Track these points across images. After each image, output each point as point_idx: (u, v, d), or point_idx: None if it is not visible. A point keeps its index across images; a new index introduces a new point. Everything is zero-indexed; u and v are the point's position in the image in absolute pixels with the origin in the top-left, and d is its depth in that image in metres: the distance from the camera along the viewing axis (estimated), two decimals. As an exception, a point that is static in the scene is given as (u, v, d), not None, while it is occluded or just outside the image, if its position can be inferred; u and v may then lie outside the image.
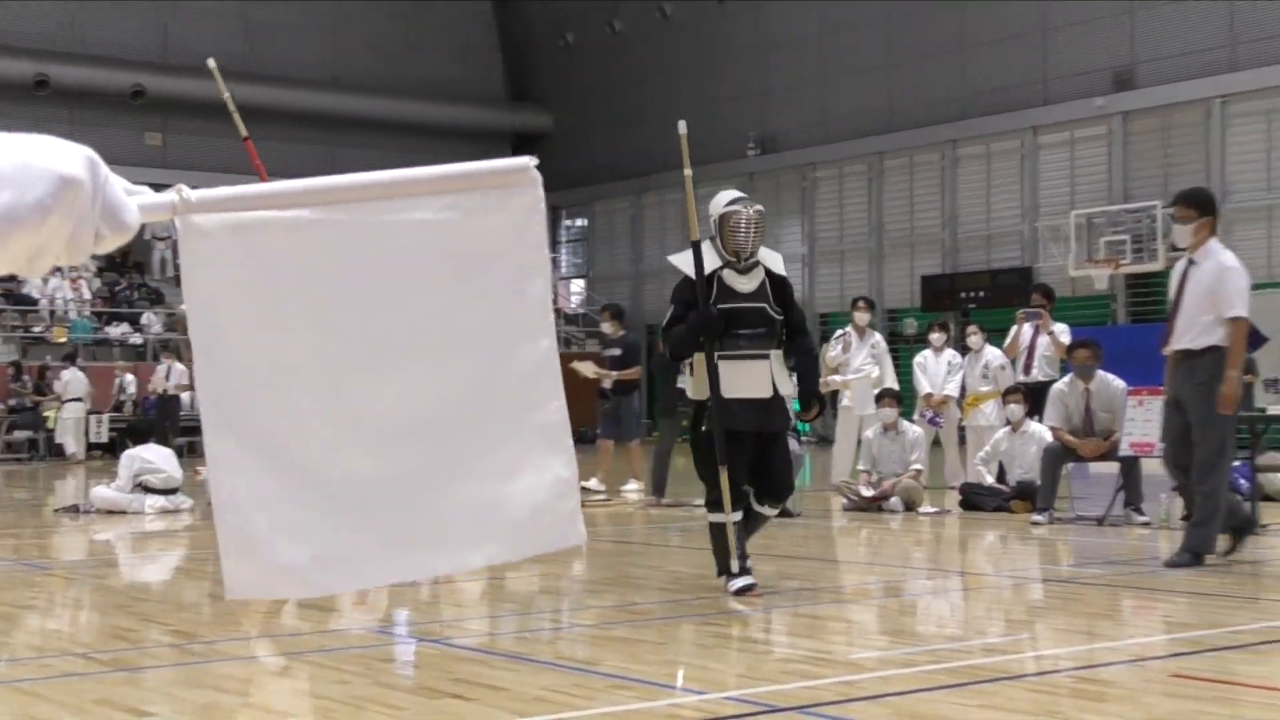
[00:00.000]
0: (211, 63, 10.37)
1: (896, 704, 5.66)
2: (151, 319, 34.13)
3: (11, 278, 29.70)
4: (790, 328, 8.97)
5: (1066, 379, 14.12)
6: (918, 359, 18.03)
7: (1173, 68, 29.52)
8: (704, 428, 8.77)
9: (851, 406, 17.27)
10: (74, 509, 15.54)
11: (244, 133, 10.26)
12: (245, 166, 10.46)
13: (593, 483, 16.59)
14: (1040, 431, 14.43)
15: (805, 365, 9.28)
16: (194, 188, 2.70)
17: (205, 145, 37.72)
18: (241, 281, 2.77)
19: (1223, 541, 10.20)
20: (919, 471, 15.35)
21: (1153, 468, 13.31)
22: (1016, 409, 14.83)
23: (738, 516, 8.73)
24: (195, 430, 25.85)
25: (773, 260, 9.08)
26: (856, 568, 11.55)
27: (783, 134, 37.23)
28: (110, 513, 15.18)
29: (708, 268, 8.88)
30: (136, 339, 33.58)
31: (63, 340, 31.85)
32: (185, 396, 27.24)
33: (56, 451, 28.61)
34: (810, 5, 36.10)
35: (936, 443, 17.95)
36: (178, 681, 6.34)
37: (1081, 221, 29.54)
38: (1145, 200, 29.22)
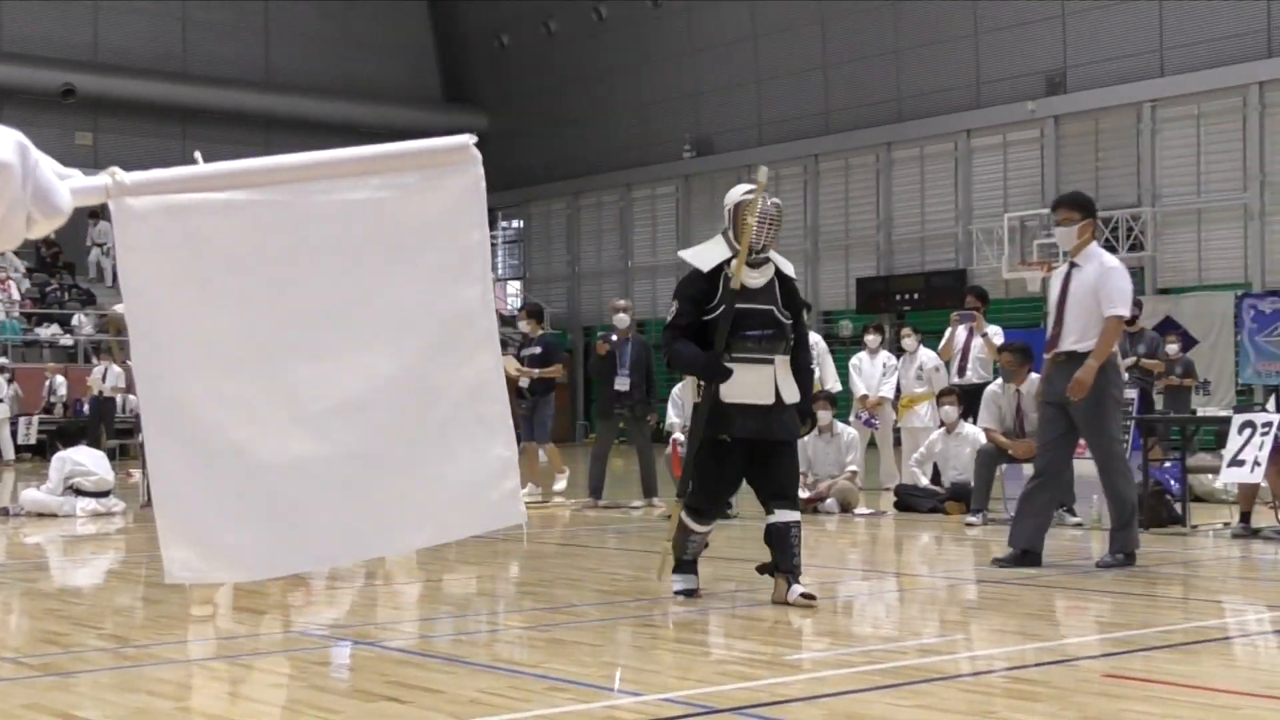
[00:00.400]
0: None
1: (832, 705, 5.69)
2: (82, 320, 33.80)
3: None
4: (797, 337, 8.61)
5: (999, 381, 14.22)
6: (853, 361, 18.11)
7: (1104, 72, 29.80)
8: (702, 436, 8.42)
9: None
10: (3, 511, 15.37)
11: None
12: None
13: (528, 489, 16.46)
14: (974, 433, 14.52)
15: (800, 381, 8.67)
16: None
17: (137, 145, 37.44)
18: (177, 264, 2.74)
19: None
20: (854, 473, 15.42)
21: (1084, 469, 13.43)
22: (951, 411, 14.92)
23: (709, 529, 8.62)
24: (129, 433, 25.64)
25: (785, 264, 8.69)
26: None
27: (718, 136, 37.31)
28: (41, 515, 15.02)
29: (717, 259, 8.49)
30: (67, 340, 33.25)
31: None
32: (120, 399, 27.01)
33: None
34: (744, 7, 36.20)
35: (872, 444, 18.03)
36: (110, 686, 6.28)
37: (1015, 224, 29.81)
38: (1077, 203, 29.46)
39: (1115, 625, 7.87)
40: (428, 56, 44.71)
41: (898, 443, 17.93)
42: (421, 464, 2.93)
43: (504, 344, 36.98)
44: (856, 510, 14.90)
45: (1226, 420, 12.55)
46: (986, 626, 7.85)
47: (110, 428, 26.75)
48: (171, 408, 2.77)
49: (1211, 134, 28.51)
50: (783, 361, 8.46)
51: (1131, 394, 13.17)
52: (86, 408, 28.11)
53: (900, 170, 33.59)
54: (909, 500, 14.97)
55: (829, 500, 14.96)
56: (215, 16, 40.85)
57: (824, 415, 15.48)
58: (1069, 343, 10.09)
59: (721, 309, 8.34)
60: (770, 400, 8.36)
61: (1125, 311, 10.11)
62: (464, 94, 44.18)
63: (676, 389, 15.71)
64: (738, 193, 8.60)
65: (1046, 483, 10.22)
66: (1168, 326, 24.75)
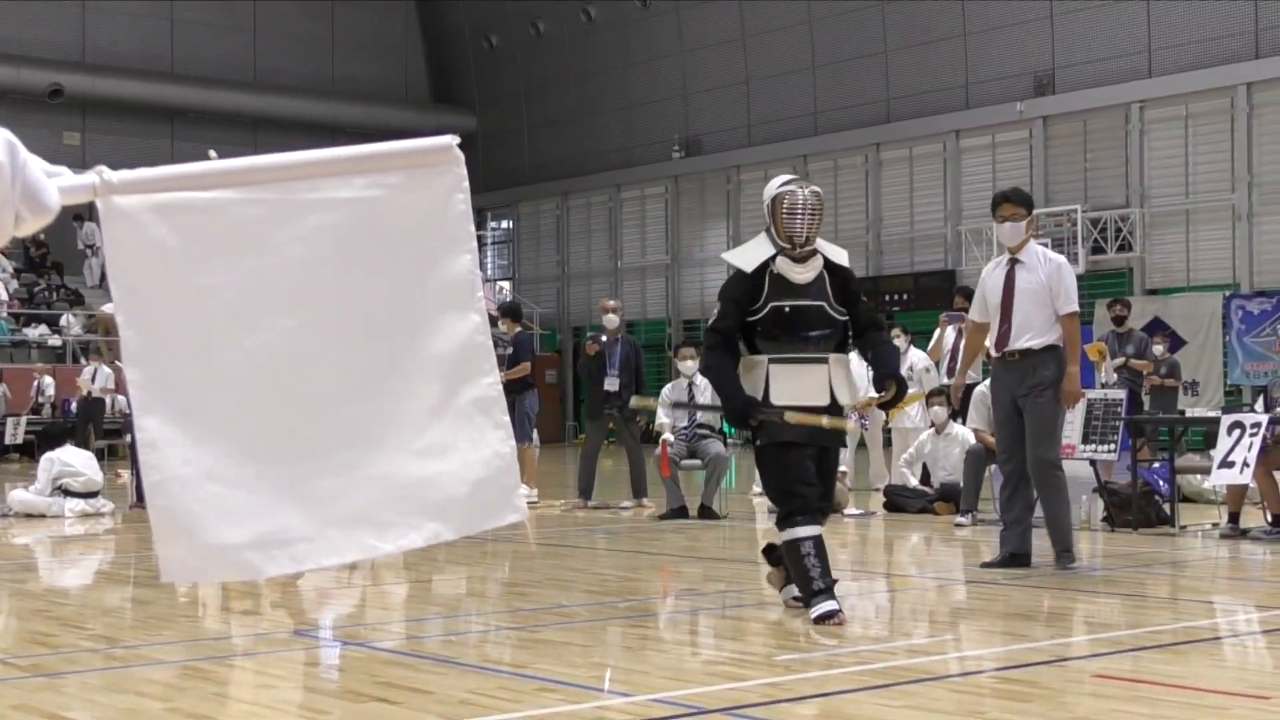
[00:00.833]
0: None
1: (822, 705, 5.69)
2: (70, 320, 33.74)
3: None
4: (861, 324, 8.17)
5: (988, 382, 14.21)
6: (842, 361, 18.08)
7: (1092, 73, 29.85)
8: (759, 441, 7.99)
9: None
10: (-8, 512, 15.34)
11: None
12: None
13: (523, 491, 16.40)
14: (964, 434, 14.53)
15: (882, 350, 8.32)
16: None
17: (124, 145, 37.37)
18: (165, 262, 2.74)
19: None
20: (844, 473, 15.40)
21: (1074, 469, 13.44)
22: (940, 411, 14.93)
23: (816, 530, 7.89)
24: (117, 434, 25.59)
25: (835, 252, 8.18)
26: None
27: (707, 137, 37.32)
28: (29, 516, 14.99)
29: (760, 257, 7.99)
30: (55, 341, 33.19)
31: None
32: (109, 400, 26.94)
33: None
34: (733, 8, 36.20)
35: (861, 445, 18.04)
36: (99, 686, 6.27)
37: (1003, 225, 29.80)
38: (1066, 204, 29.57)
39: (1104, 625, 7.88)
40: (416, 57, 44.68)
41: (888, 443, 17.93)
42: (418, 460, 2.93)
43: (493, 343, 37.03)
44: (846, 511, 14.90)
45: (1215, 421, 12.58)
46: (976, 627, 7.86)
47: (99, 428, 26.69)
48: (164, 406, 2.76)
49: (1200, 135, 28.56)
50: (839, 360, 8.08)
51: (1120, 394, 13.19)
52: (75, 408, 28.05)
53: (889, 171, 33.62)
54: (898, 501, 14.98)
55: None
56: (203, 16, 40.79)
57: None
58: (1022, 340, 10.02)
59: (767, 310, 7.92)
60: (824, 402, 7.92)
61: (1078, 307, 10.13)
62: (452, 94, 44.14)
63: (666, 389, 15.71)
64: (774, 186, 8.13)
65: (1019, 486, 10.16)
66: (1155, 327, 24.80)
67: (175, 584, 9.12)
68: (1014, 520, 10.11)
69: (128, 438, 20.86)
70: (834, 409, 7.94)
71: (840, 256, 8.16)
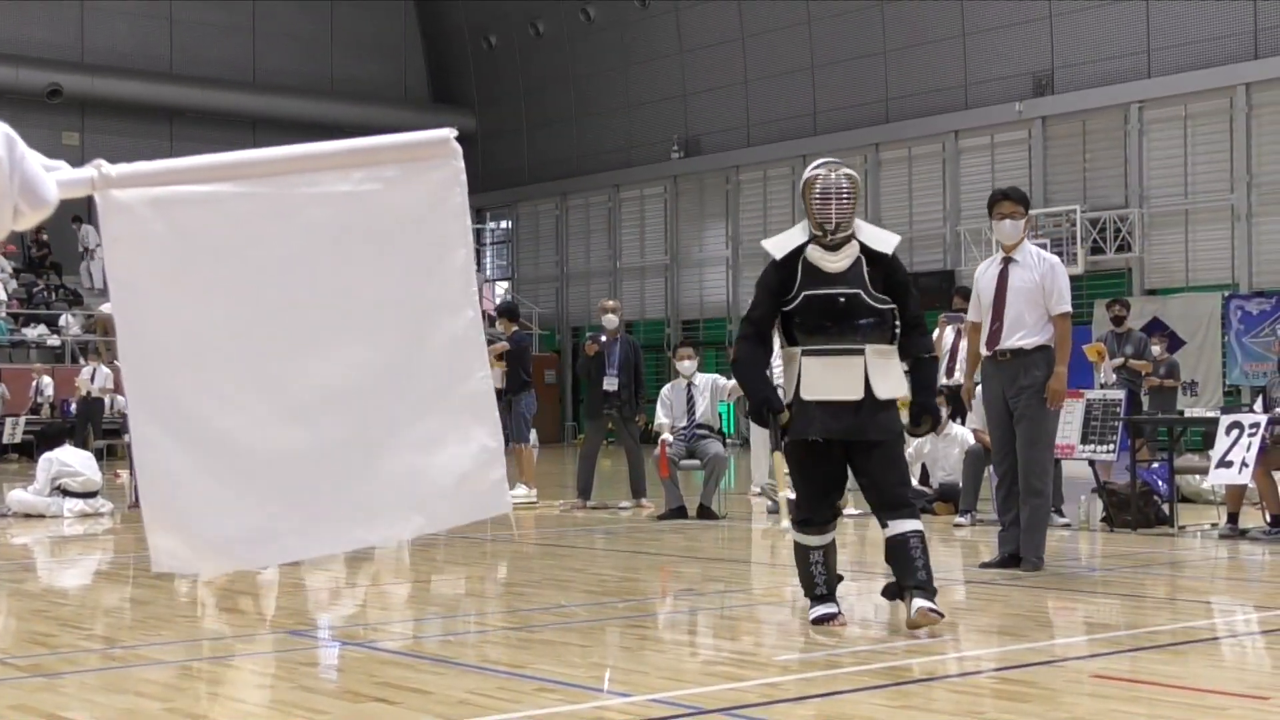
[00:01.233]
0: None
1: (820, 705, 5.69)
2: (69, 320, 33.73)
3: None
4: (904, 321, 7.58)
5: (986, 381, 14.21)
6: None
7: (1091, 73, 29.86)
8: (785, 438, 7.61)
9: None
10: (-9, 512, 15.34)
11: None
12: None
13: (521, 491, 16.37)
14: (963, 434, 14.54)
15: (920, 371, 7.77)
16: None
17: (123, 145, 37.34)
18: (162, 256, 2.75)
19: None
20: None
21: (1073, 470, 13.45)
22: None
23: (829, 538, 7.64)
24: (116, 433, 25.59)
25: (875, 238, 7.65)
26: (781, 570, 11.58)
27: (706, 137, 37.32)
28: (28, 516, 14.99)
29: (792, 244, 7.58)
30: (54, 341, 33.18)
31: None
32: (108, 400, 26.95)
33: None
34: (732, 8, 36.21)
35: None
36: (98, 687, 6.27)
37: (1002, 225, 29.79)
38: (1065, 204, 29.58)
39: (1103, 626, 7.88)
40: (415, 57, 44.67)
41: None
42: (407, 453, 2.94)
43: (491, 343, 37.02)
44: (845, 511, 14.87)
45: (1214, 421, 12.57)
46: (974, 627, 7.85)
47: (98, 428, 26.70)
48: (158, 398, 2.77)
49: (1199, 135, 28.57)
50: (878, 352, 7.46)
51: (1118, 395, 13.19)
52: (74, 408, 28.05)
53: (888, 171, 33.62)
54: (897, 501, 14.95)
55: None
56: (202, 16, 40.78)
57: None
58: (1014, 339, 10.02)
59: (799, 299, 7.50)
60: (858, 396, 7.37)
61: (1071, 309, 10.13)
62: (451, 95, 44.14)
63: (665, 389, 15.70)
64: (807, 170, 7.75)
65: (1014, 485, 10.15)
66: (1154, 327, 24.81)
67: (174, 583, 9.12)
68: (1012, 521, 10.11)
69: (126, 438, 20.83)
70: (870, 404, 7.40)
71: (883, 243, 7.63)
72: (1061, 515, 13.23)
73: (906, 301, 7.59)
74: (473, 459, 2.99)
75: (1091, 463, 12.86)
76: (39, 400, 29.80)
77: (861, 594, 9.33)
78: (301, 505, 2.87)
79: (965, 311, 16.60)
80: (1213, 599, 9.26)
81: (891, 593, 7.56)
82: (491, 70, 42.78)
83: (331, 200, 2.85)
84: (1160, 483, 13.22)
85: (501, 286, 43.04)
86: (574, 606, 8.49)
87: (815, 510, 7.63)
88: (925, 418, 7.76)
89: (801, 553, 7.68)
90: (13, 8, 38.14)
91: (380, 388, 2.91)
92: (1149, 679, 6.14)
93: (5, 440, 28.52)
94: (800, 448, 7.54)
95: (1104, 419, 12.65)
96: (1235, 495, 12.20)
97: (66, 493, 15.19)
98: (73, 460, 15.48)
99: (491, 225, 43.48)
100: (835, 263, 7.48)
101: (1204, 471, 13.13)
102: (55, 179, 2.32)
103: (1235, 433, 11.81)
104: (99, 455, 20.60)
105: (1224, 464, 11.81)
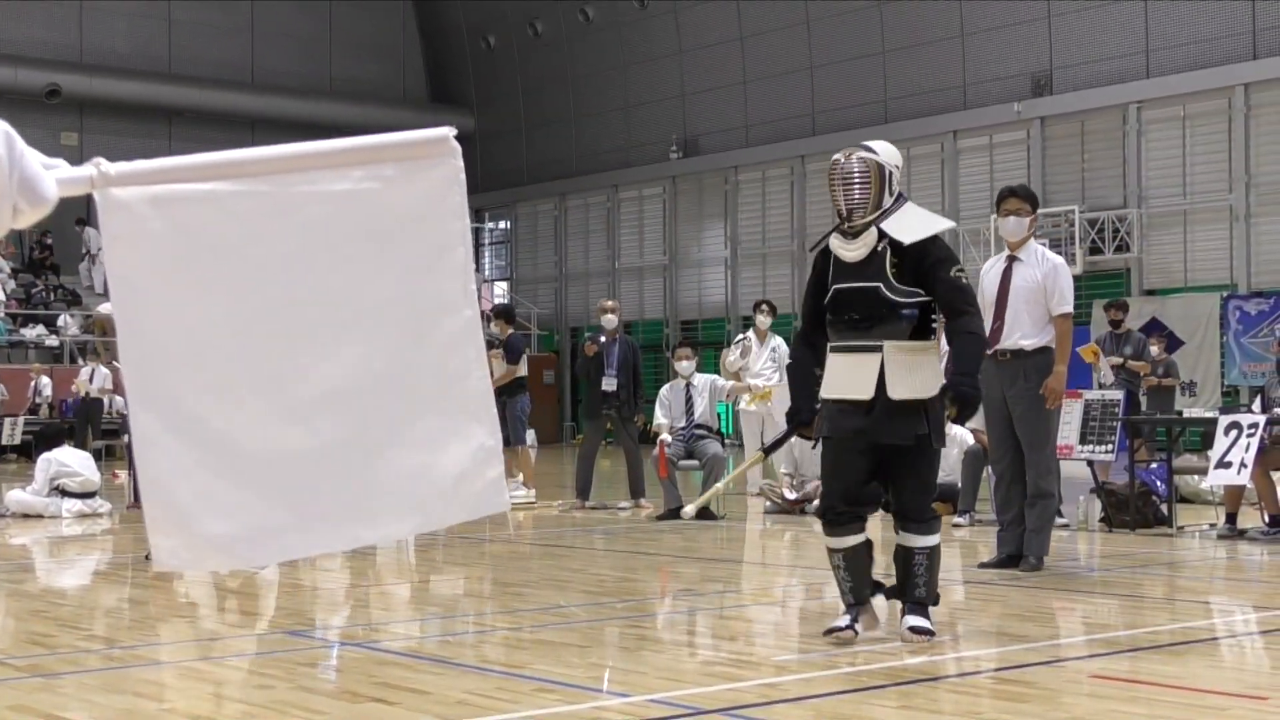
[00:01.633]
0: None
1: (819, 706, 5.69)
2: (68, 321, 33.72)
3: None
4: (941, 308, 7.03)
5: (987, 382, 14.21)
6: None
7: (1090, 74, 29.86)
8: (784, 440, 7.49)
9: (756, 410, 17.13)
10: (-11, 513, 15.34)
11: None
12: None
13: (521, 492, 16.37)
14: (961, 434, 14.52)
15: (958, 350, 7.03)
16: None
17: (122, 145, 37.31)
18: (162, 254, 2.75)
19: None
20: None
21: (1072, 470, 13.44)
22: (937, 412, 14.89)
23: (849, 541, 7.11)
24: (115, 434, 25.58)
25: (899, 225, 7.03)
26: (780, 570, 11.59)
27: (705, 137, 37.32)
28: (26, 516, 14.99)
29: (827, 237, 7.20)
30: (53, 341, 33.17)
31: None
32: (107, 400, 26.95)
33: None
34: (731, 8, 36.20)
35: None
36: (96, 687, 6.27)
37: (1001, 225, 29.78)
38: (1063, 205, 29.56)
39: (1102, 626, 7.88)
40: (414, 57, 44.66)
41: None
42: (406, 452, 2.94)
43: (490, 344, 37.00)
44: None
45: (1212, 421, 12.57)
46: (973, 627, 7.85)
47: (96, 429, 26.70)
48: (159, 396, 2.77)
49: (1197, 135, 28.57)
50: (900, 349, 6.94)
51: (1117, 395, 13.19)
52: (73, 408, 28.05)
53: (887, 171, 33.57)
54: (896, 501, 14.94)
55: (816, 502, 14.90)
56: (200, 17, 40.76)
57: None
58: (1014, 339, 10.01)
59: (830, 293, 7.09)
60: (866, 396, 6.92)
61: (1072, 309, 10.13)
62: (450, 95, 44.12)
63: (664, 389, 15.70)
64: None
65: (1013, 485, 10.15)
66: (1153, 327, 24.79)
67: (172, 581, 9.12)
68: (1011, 521, 10.11)
69: (125, 438, 20.83)
70: (884, 406, 6.91)
71: (904, 231, 7.00)
72: (1060, 515, 13.22)
73: (938, 290, 6.95)
74: (471, 458, 3.00)
75: (1090, 463, 12.86)
76: (37, 400, 29.79)
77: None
78: (301, 503, 2.87)
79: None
80: (1211, 599, 9.26)
81: (892, 593, 7.34)
82: (490, 70, 42.76)
83: (331, 199, 2.85)
84: (1159, 483, 13.21)
85: (500, 287, 43.03)
86: (573, 607, 8.49)
87: (829, 506, 7.17)
88: (950, 401, 6.94)
89: (827, 553, 7.26)
90: (11, 8, 38.13)
91: (379, 386, 2.92)
92: (1148, 679, 6.14)
93: (4, 441, 28.50)
94: (825, 444, 7.24)
95: (1102, 419, 12.65)
96: (1234, 495, 12.20)
97: (65, 493, 15.20)
98: (71, 460, 15.48)
99: (490, 225, 43.47)
100: (852, 252, 7.03)
101: (1202, 472, 13.13)
102: (54, 177, 2.32)
103: (1234, 433, 11.81)
104: (98, 456, 20.61)
105: (1222, 464, 11.81)
